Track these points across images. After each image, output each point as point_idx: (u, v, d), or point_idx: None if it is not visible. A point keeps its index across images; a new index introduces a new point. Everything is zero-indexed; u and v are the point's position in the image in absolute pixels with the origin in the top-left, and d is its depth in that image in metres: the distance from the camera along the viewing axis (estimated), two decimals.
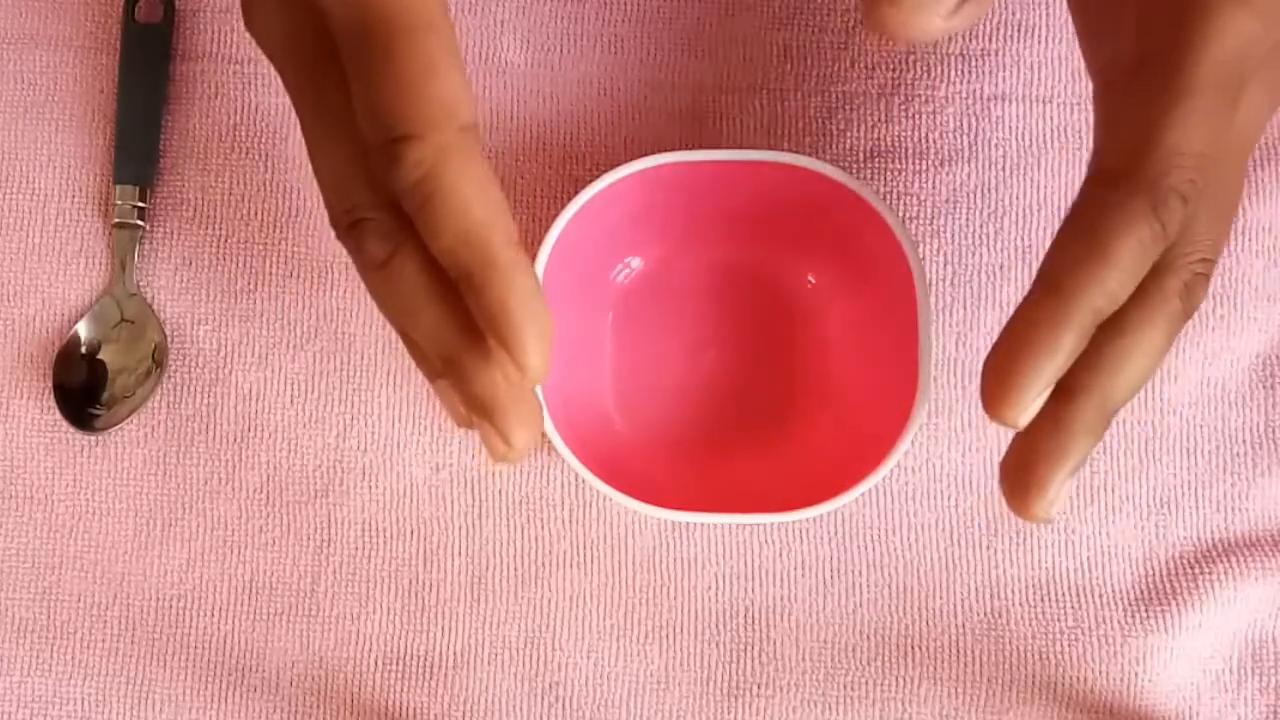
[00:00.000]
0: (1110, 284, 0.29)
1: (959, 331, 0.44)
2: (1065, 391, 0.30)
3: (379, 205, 0.31)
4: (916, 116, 0.45)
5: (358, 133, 0.30)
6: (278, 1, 0.32)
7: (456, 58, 0.29)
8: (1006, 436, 0.31)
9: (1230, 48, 0.29)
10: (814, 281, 0.44)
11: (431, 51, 0.29)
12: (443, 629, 0.43)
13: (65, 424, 0.44)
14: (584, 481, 0.39)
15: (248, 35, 0.46)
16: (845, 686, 0.43)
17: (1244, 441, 0.43)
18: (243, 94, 0.46)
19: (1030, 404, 0.29)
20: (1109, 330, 0.30)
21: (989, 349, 0.30)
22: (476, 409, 0.31)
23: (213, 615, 0.43)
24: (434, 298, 0.30)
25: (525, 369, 0.29)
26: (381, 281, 0.31)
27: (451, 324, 0.30)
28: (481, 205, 0.29)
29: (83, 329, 0.44)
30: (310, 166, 0.45)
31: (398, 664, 0.43)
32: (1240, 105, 0.30)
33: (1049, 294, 0.29)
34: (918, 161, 0.45)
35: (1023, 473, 0.30)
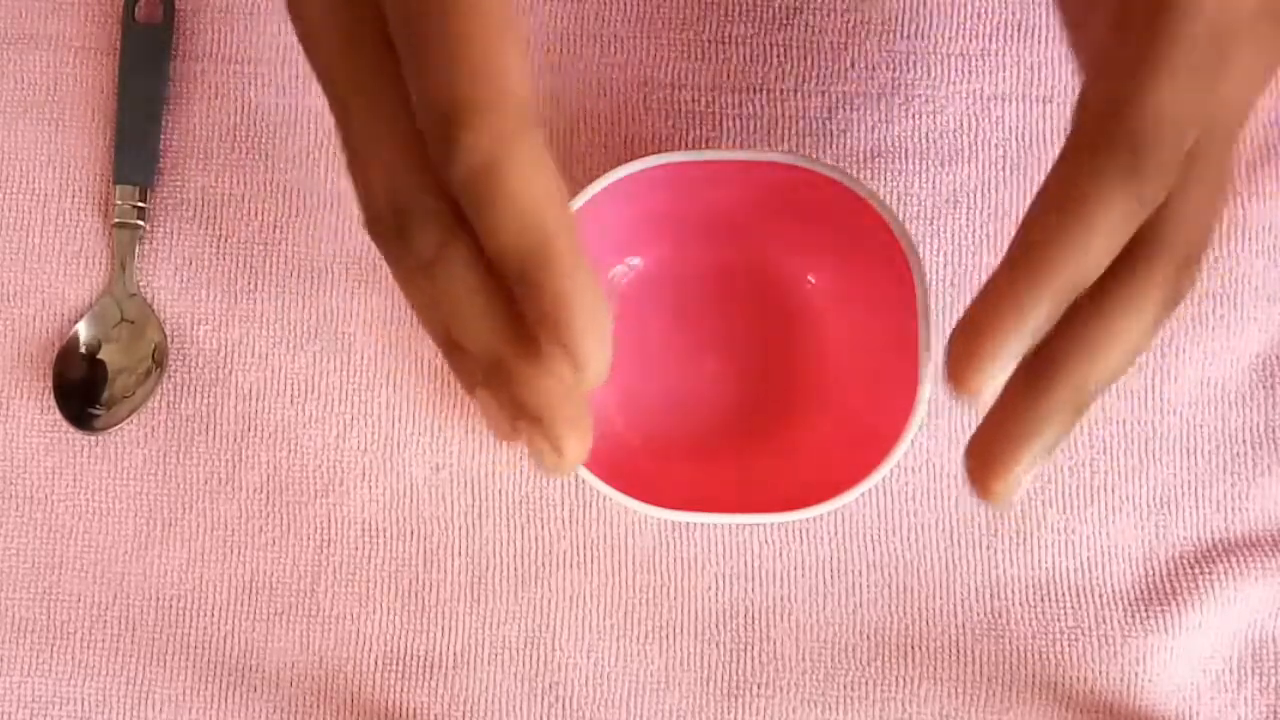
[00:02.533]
0: (1085, 255, 0.27)
1: None
2: (1040, 370, 0.28)
3: (431, 192, 0.28)
4: (916, 116, 0.45)
5: (404, 120, 0.28)
6: None
7: (515, 33, 0.27)
8: None
9: (1212, 3, 0.27)
10: (814, 281, 0.44)
11: (491, 23, 0.27)
12: (443, 629, 0.43)
13: (65, 424, 0.44)
14: (584, 481, 0.39)
15: (248, 35, 0.46)
16: (845, 686, 0.43)
17: (1244, 441, 0.43)
18: (243, 94, 0.46)
19: (994, 375, 0.28)
20: (1090, 311, 0.28)
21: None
22: (526, 416, 0.28)
23: (213, 615, 0.43)
24: (485, 296, 0.28)
25: (585, 370, 0.27)
26: (427, 281, 0.29)
27: (503, 325, 0.28)
28: (545, 195, 0.27)
29: (83, 329, 0.44)
30: (309, 166, 0.45)
31: (398, 664, 0.43)
32: (1228, 68, 0.28)
33: (1019, 263, 0.28)
34: (918, 161, 0.45)
35: (988, 451, 0.29)
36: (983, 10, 0.46)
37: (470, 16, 0.27)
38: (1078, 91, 0.29)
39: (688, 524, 0.43)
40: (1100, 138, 0.27)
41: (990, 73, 0.45)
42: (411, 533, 0.43)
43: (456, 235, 0.28)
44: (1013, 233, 0.44)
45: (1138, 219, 0.28)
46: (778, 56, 0.46)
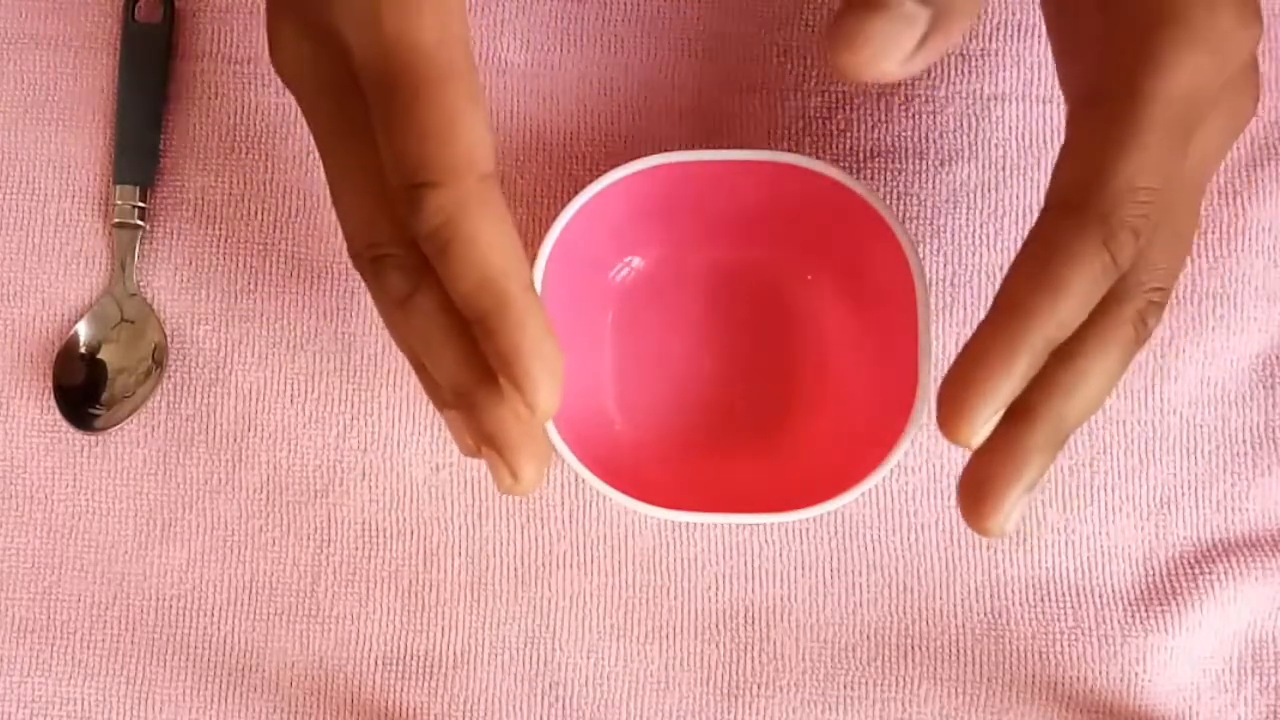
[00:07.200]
0: (1062, 313, 0.29)
1: (959, 331, 0.44)
2: (1020, 413, 0.30)
3: (401, 242, 0.31)
4: (916, 116, 0.45)
5: (380, 172, 0.31)
6: (304, 42, 0.33)
7: (478, 105, 0.30)
8: None
9: (1182, 85, 0.29)
10: (814, 281, 0.44)
11: (455, 101, 0.29)
12: (443, 629, 0.43)
13: (65, 424, 0.44)
14: (584, 481, 0.39)
15: (248, 35, 0.46)
16: (845, 686, 0.43)
17: (1244, 441, 0.43)
18: (243, 94, 0.46)
19: (982, 426, 0.30)
20: (1063, 355, 0.30)
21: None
22: (487, 442, 0.31)
23: (213, 615, 0.43)
24: (451, 334, 0.31)
25: (535, 409, 0.30)
26: (401, 317, 0.32)
27: (467, 360, 0.31)
28: (499, 252, 0.30)
29: (83, 329, 0.44)
30: (310, 166, 0.46)
31: (398, 664, 0.43)
32: (1193, 141, 0.30)
33: (1002, 320, 0.30)
34: (918, 161, 0.45)
35: (978, 491, 0.31)
36: (983, 10, 0.46)
37: (436, 93, 0.29)
38: (1056, 154, 0.31)
39: (688, 524, 0.43)
40: (1075, 207, 0.30)
41: (990, 73, 0.45)
42: (411, 533, 0.43)
43: (425, 280, 0.31)
44: (1013, 233, 0.45)
45: (1110, 280, 0.30)
46: (778, 56, 0.46)
